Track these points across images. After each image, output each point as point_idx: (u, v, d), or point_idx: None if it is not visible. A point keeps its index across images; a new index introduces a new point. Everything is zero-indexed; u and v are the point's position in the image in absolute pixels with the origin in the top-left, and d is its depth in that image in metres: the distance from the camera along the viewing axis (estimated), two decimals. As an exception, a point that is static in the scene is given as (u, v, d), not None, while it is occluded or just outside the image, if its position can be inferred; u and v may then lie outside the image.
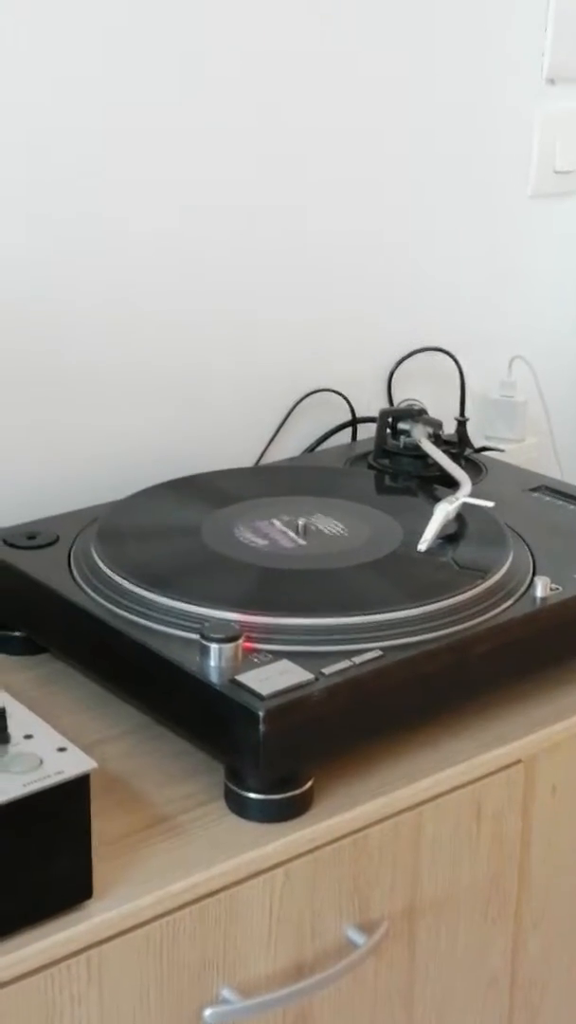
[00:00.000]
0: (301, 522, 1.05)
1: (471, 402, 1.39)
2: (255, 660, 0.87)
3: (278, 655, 0.87)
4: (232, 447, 1.29)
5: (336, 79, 1.29)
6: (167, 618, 0.92)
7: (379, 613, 0.92)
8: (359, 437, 1.35)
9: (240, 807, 0.85)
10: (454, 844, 0.93)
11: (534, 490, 1.18)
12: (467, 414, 1.31)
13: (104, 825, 0.82)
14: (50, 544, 1.04)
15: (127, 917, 0.78)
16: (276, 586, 0.96)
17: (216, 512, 1.07)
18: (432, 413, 1.27)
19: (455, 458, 1.20)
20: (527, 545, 1.05)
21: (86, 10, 1.11)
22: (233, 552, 1.00)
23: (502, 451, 1.31)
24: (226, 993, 0.83)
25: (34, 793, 0.72)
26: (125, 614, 0.93)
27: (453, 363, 1.37)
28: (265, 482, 1.15)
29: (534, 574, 0.99)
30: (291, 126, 1.27)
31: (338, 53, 1.28)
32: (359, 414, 1.35)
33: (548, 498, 1.16)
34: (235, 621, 0.89)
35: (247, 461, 1.31)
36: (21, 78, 1.09)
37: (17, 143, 1.10)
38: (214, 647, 0.86)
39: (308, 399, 1.34)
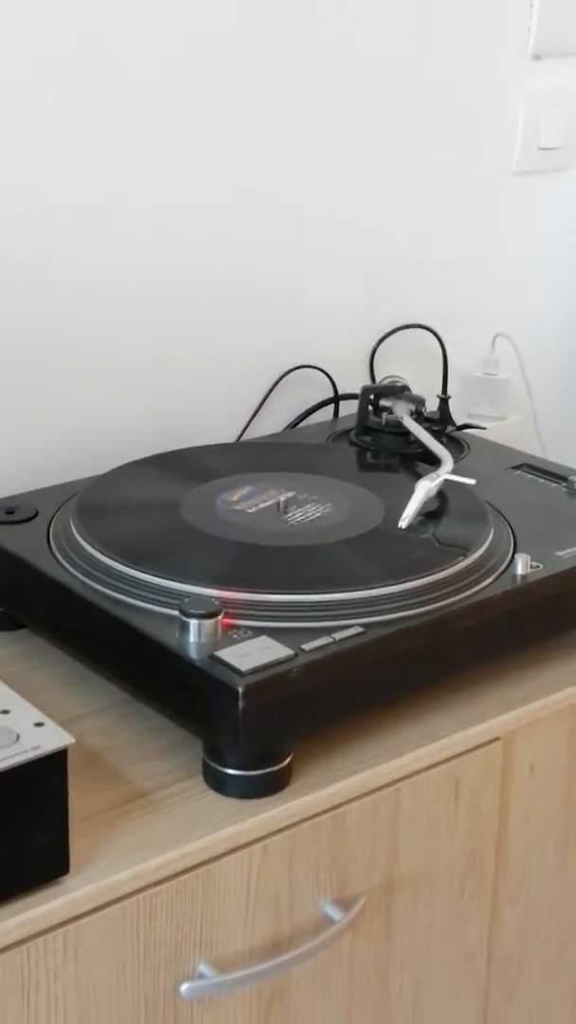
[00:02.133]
0: (282, 498, 1.04)
1: (454, 379, 1.38)
2: (235, 636, 0.86)
3: (258, 631, 0.87)
4: (213, 423, 1.29)
5: (319, 56, 1.28)
6: (146, 594, 0.91)
7: (359, 590, 0.91)
8: (341, 414, 1.35)
9: (218, 783, 0.85)
10: (432, 821, 0.93)
11: (516, 468, 1.18)
12: (449, 391, 1.30)
13: (82, 801, 0.82)
14: (29, 519, 1.03)
15: (104, 892, 0.77)
16: (256, 562, 0.95)
17: (197, 488, 1.06)
18: (414, 390, 1.26)
19: (437, 435, 1.19)
20: (508, 523, 1.04)
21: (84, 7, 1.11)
22: (213, 528, 1.00)
23: (484, 428, 1.31)
24: (203, 968, 0.83)
25: (10, 768, 0.72)
26: (104, 590, 0.93)
27: (436, 340, 1.37)
28: (246, 458, 1.15)
29: (515, 551, 0.99)
30: (272, 105, 1.26)
31: (322, 28, 1.27)
32: (341, 391, 1.35)
33: (530, 476, 1.16)
34: (215, 597, 0.89)
35: (228, 437, 1.30)
36: (21, 73, 1.09)
37: (14, 130, 1.10)
38: (193, 623, 0.86)
39: (290, 375, 1.33)
